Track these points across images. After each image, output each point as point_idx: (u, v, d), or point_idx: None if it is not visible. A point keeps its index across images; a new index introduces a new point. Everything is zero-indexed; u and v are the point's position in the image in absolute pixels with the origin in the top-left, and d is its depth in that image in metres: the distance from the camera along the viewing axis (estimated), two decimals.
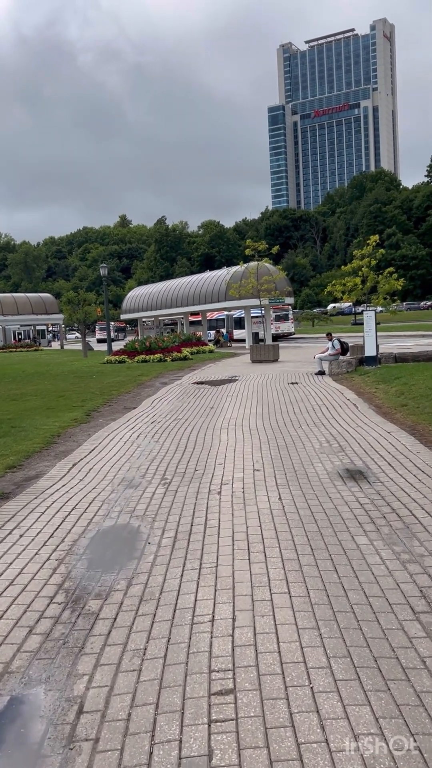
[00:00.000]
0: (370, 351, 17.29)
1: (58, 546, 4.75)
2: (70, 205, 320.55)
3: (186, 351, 25.93)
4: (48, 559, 4.49)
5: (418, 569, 3.96)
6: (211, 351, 29.29)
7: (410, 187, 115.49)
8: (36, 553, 4.60)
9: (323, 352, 18.18)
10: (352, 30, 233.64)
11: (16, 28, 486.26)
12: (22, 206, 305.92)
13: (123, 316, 49.36)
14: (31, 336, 63.68)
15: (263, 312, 35.02)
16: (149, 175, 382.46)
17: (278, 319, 42.43)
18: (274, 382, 15.37)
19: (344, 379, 15.34)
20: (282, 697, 2.69)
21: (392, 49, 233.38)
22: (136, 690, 2.84)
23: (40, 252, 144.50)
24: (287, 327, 44.00)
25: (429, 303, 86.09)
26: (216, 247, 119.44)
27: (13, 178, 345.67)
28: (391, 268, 21.90)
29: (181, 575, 4.04)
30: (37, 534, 5.03)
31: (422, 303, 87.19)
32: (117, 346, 34.62)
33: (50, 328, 72.49)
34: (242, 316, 38.92)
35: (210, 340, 38.82)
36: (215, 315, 47.12)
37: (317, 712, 2.58)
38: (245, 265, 28.65)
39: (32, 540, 4.89)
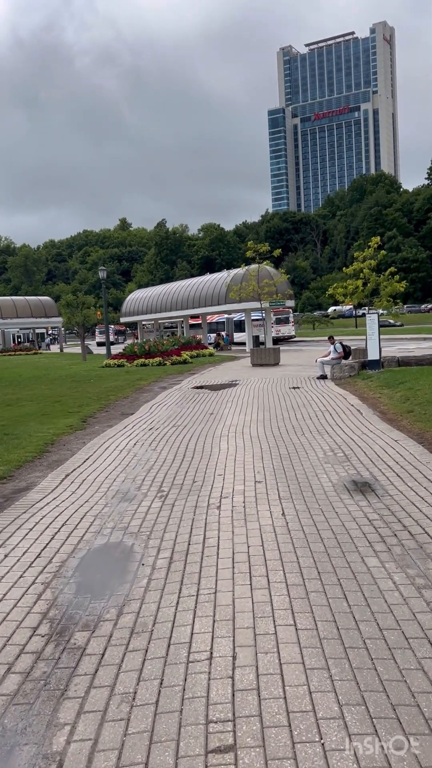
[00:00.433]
0: (373, 355, 16.97)
1: (45, 567, 4.41)
2: (69, 209, 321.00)
3: (186, 354, 25.62)
4: (33, 582, 4.15)
5: None
6: (211, 354, 28.98)
7: (411, 190, 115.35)
8: (21, 576, 4.27)
9: (325, 356, 17.85)
10: (352, 33, 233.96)
11: (14, 31, 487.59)
12: (20, 209, 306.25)
13: (122, 319, 49.08)
14: (31, 339, 63.42)
15: (264, 315, 34.73)
16: (148, 179, 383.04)
17: (279, 322, 42.14)
18: (276, 387, 15.04)
19: (347, 384, 15.02)
20: (289, 757, 2.36)
21: (392, 52, 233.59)
22: (123, 745, 2.50)
23: (40, 255, 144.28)
24: (288, 330, 43.70)
25: (430, 306, 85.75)
26: (216, 250, 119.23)
27: (12, 181, 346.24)
28: (393, 269, 21.62)
29: (177, 603, 3.71)
30: (24, 553, 4.69)
31: (423, 306, 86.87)
32: (117, 349, 34.30)
33: (50, 332, 72.24)
34: (242, 319, 38.62)
35: (210, 344, 38.51)
36: (215, 318, 46.82)
37: None
38: (246, 267, 28.36)
39: (18, 560, 4.56)
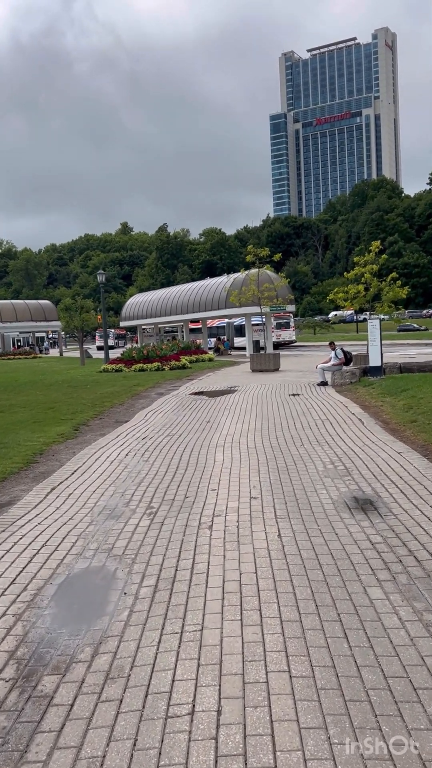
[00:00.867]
0: (374, 361, 16.61)
1: (18, 596, 4.05)
2: (69, 213, 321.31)
3: (185, 359, 25.28)
4: (4, 614, 3.78)
5: None
6: (210, 359, 28.64)
7: (412, 196, 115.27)
8: None
9: (326, 362, 17.49)
10: (354, 39, 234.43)
11: (14, 36, 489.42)
12: (21, 214, 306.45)
13: (122, 324, 48.77)
14: (30, 343, 63.14)
15: (264, 320, 34.39)
16: (149, 183, 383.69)
17: (279, 326, 41.79)
18: (275, 394, 14.68)
19: (348, 391, 14.65)
20: None
21: (394, 57, 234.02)
22: None
23: (41, 259, 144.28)
24: (288, 335, 43.35)
25: (431, 311, 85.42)
26: (217, 255, 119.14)
27: (12, 185, 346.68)
28: (395, 274, 21.29)
29: (159, 641, 3.34)
30: None
31: (424, 311, 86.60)
32: (118, 354, 33.94)
33: (50, 335, 71.97)
34: (243, 323, 38.29)
35: (210, 348, 38.18)
36: (216, 322, 46.51)
37: None
38: (246, 272, 28.05)
39: None
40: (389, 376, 16.27)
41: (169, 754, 2.45)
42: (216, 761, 2.39)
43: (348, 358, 17.37)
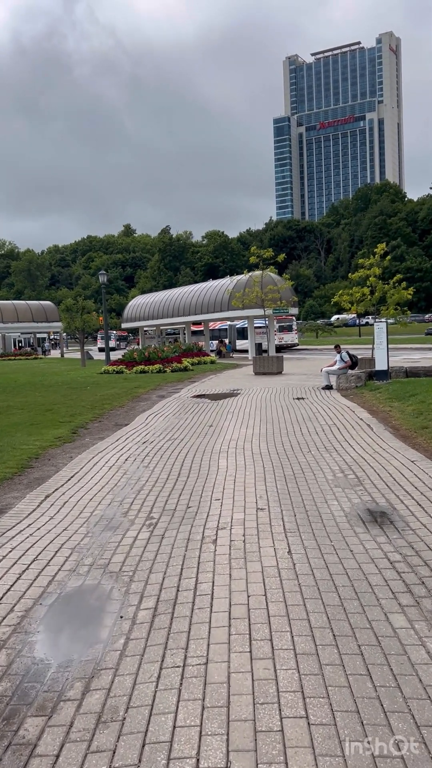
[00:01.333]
0: (381, 365, 16.25)
1: (4, 618, 3.68)
2: (71, 216, 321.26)
3: (186, 362, 24.92)
4: None
5: None
6: (212, 362, 28.28)
7: (415, 200, 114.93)
8: None
9: (331, 365, 17.12)
10: (358, 43, 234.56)
11: (15, 38, 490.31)
12: (23, 215, 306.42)
13: (124, 325, 48.45)
14: (32, 344, 62.83)
15: (267, 322, 34.04)
16: (151, 186, 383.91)
17: (282, 329, 41.42)
18: (279, 397, 14.31)
19: (354, 395, 14.28)
20: None
21: (398, 62, 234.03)
22: None
23: (43, 260, 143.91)
24: (291, 338, 42.97)
25: None
26: (220, 257, 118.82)
27: (14, 187, 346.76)
28: (399, 275, 20.91)
29: (158, 677, 2.97)
30: None
31: (427, 315, 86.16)
32: (119, 355, 33.57)
33: (51, 336, 71.65)
34: (245, 326, 37.94)
35: (212, 351, 37.83)
36: (218, 325, 46.17)
37: None
38: (249, 274, 27.71)
39: None
40: (395, 381, 15.90)
41: None
42: None
43: (354, 362, 17.00)
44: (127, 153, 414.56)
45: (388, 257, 21.57)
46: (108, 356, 29.79)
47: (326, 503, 5.75)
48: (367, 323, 69.00)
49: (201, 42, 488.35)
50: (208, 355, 29.55)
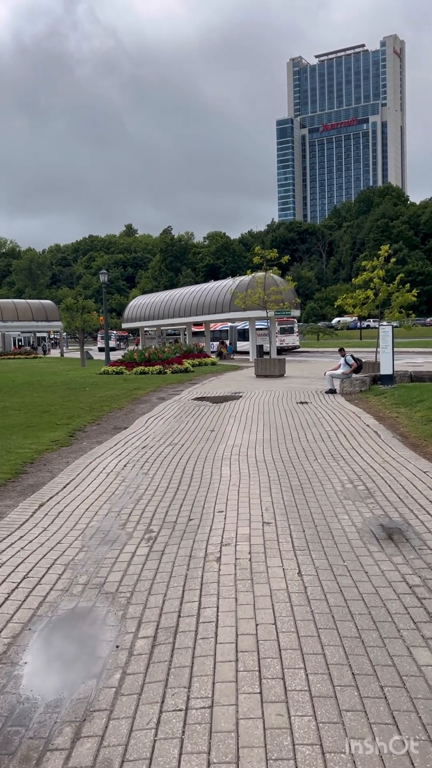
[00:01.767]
0: (386, 369, 15.93)
1: None
2: (72, 215, 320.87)
3: (187, 363, 24.61)
4: None
5: None
6: (213, 363, 27.98)
7: (418, 203, 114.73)
8: None
9: (335, 369, 16.81)
10: (362, 45, 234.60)
11: (16, 37, 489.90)
12: (23, 214, 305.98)
13: (124, 325, 48.12)
14: (31, 343, 62.51)
15: (268, 324, 33.72)
16: (151, 187, 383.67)
17: (283, 331, 41.07)
18: (282, 401, 13.99)
19: (359, 400, 13.96)
20: None
21: (402, 65, 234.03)
22: None
23: (44, 259, 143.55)
24: (292, 340, 42.62)
25: None
26: (221, 258, 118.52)
27: (14, 186, 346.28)
28: (402, 275, 20.59)
29: (158, 722, 2.64)
30: None
31: (428, 319, 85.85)
32: (119, 355, 33.25)
33: (51, 335, 71.31)
34: (246, 327, 37.61)
35: (213, 352, 37.52)
36: (219, 326, 45.85)
37: None
38: (252, 274, 27.40)
39: None
40: (400, 385, 15.59)
41: None
42: None
43: (359, 365, 16.68)
44: (128, 153, 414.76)
45: (393, 259, 21.26)
46: (108, 356, 29.47)
47: (336, 517, 5.43)
48: (368, 326, 68.72)
49: (201, 43, 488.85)
50: (208, 357, 29.25)
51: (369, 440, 9.00)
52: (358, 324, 67.71)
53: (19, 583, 4.20)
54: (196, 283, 75.51)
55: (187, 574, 4.24)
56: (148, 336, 53.23)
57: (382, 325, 16.73)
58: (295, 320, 42.79)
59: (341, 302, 20.33)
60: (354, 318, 69.63)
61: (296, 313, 34.95)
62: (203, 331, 42.14)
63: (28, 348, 56.61)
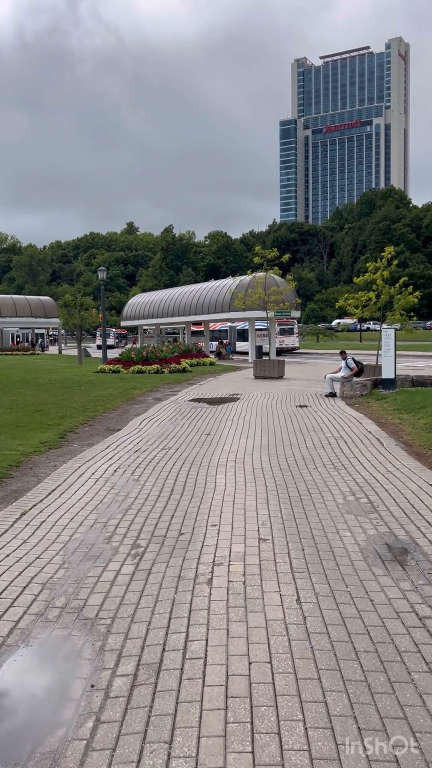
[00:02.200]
0: (387, 373, 15.56)
1: None
2: (72, 213, 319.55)
3: (185, 363, 24.24)
4: None
5: None
6: (212, 363, 27.61)
7: (420, 206, 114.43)
8: None
9: (335, 372, 16.44)
10: (367, 47, 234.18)
11: (18, 33, 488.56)
12: (24, 211, 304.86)
13: (123, 323, 47.75)
14: (30, 339, 62.07)
15: (268, 325, 33.35)
16: (152, 185, 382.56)
17: (283, 332, 40.68)
18: (281, 404, 13.62)
19: (359, 404, 13.59)
20: None
21: (407, 68, 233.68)
22: None
23: (45, 256, 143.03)
24: (292, 341, 42.24)
25: None
26: (222, 258, 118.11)
27: (15, 182, 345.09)
28: (405, 278, 20.21)
29: None
30: None
31: (429, 323, 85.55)
32: (117, 353, 32.85)
33: (50, 332, 70.85)
34: (245, 327, 37.23)
35: (212, 352, 37.15)
36: (218, 326, 45.46)
37: None
38: (252, 274, 27.03)
39: None
40: (402, 390, 15.22)
41: None
42: None
43: (360, 369, 16.31)
44: (129, 151, 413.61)
45: (396, 261, 20.91)
46: (105, 354, 29.07)
47: (338, 534, 5.05)
48: (368, 329, 68.36)
49: (202, 43, 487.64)
50: (207, 357, 28.88)
51: (371, 448, 8.62)
52: (358, 326, 67.39)
53: None
54: (197, 282, 75.12)
55: (174, 598, 3.86)
56: (146, 334, 52.85)
57: (384, 327, 16.36)
58: (295, 321, 42.41)
59: (343, 303, 19.98)
60: (354, 320, 69.25)
61: (296, 314, 34.58)
62: (202, 331, 41.76)
63: (26, 344, 56.19)
